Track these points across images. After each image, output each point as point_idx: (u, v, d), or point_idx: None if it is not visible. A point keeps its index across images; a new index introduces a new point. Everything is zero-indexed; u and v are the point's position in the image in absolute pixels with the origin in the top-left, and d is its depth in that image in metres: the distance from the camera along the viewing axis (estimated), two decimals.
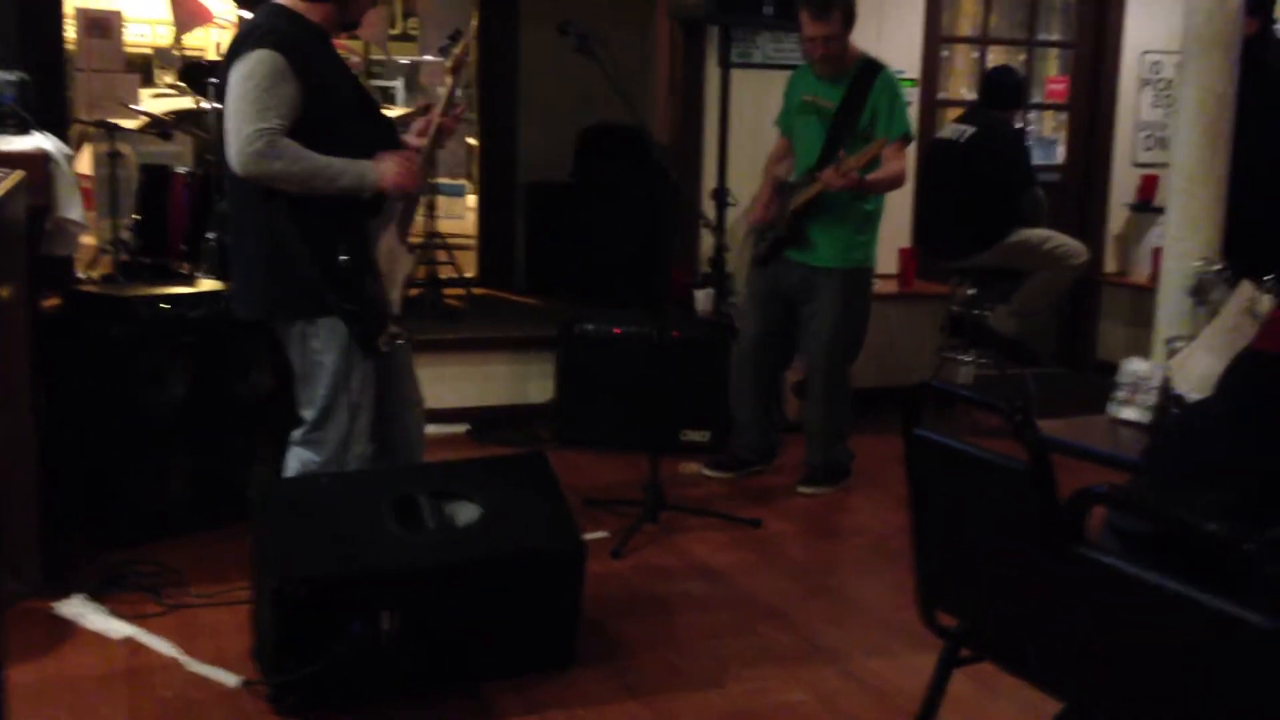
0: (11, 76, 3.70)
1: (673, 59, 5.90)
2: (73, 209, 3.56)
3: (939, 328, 5.94)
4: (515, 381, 5.50)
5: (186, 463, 3.92)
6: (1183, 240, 3.60)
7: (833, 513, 4.57)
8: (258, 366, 4.02)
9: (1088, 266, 5.81)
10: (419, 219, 5.35)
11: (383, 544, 2.88)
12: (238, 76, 2.97)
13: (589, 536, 3.47)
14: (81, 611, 3.31)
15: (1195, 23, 3.57)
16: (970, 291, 5.72)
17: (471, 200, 8.36)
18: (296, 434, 3.23)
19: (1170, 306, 3.60)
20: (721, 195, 5.43)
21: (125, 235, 5.32)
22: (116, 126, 5.70)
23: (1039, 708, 2.16)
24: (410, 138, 3.31)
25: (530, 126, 6.79)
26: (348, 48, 9.18)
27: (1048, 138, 7.29)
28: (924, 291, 6.01)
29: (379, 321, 3.14)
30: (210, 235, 4.70)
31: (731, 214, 5.51)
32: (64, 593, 3.39)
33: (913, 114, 5.27)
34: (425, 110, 4.17)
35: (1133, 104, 6.70)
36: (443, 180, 7.42)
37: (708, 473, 4.79)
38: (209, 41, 9.23)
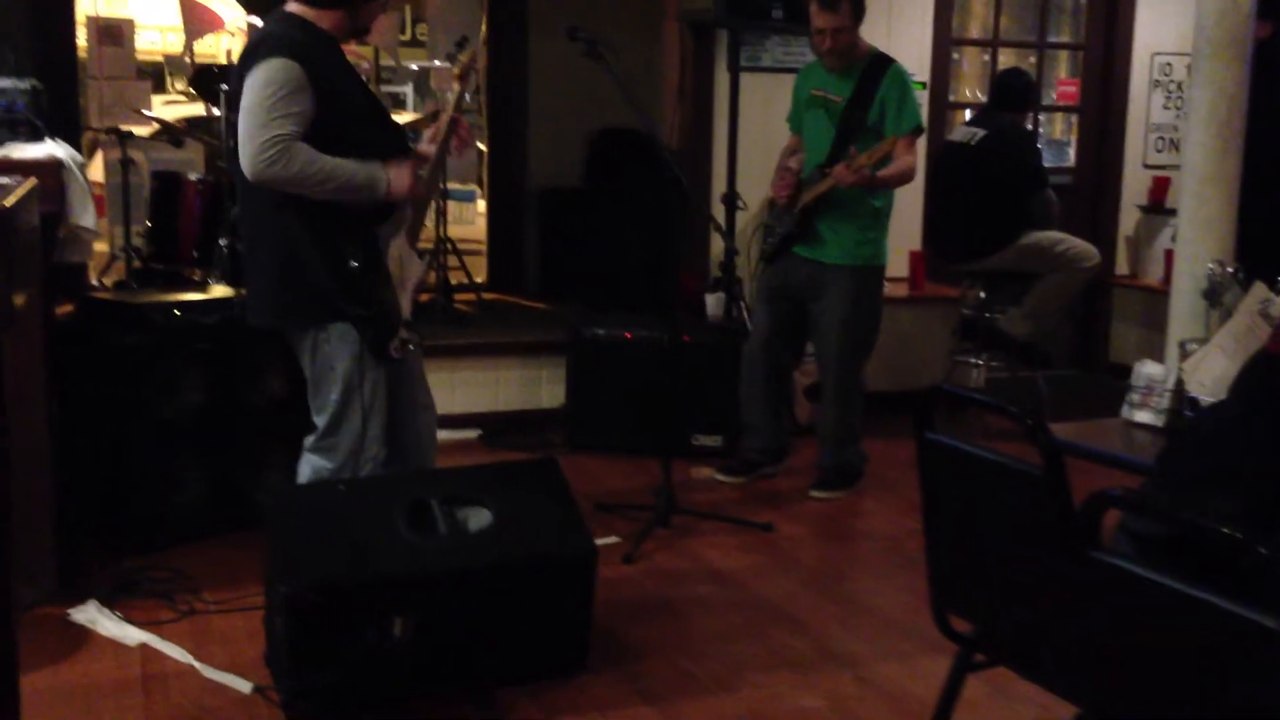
0: (24, 84, 3.72)
1: (682, 63, 5.91)
2: (86, 216, 3.58)
3: (950, 331, 5.93)
4: (526, 386, 5.51)
5: (199, 469, 3.92)
6: (1195, 242, 3.60)
7: (845, 516, 4.56)
8: (270, 373, 4.03)
9: (1099, 269, 5.80)
10: (430, 224, 5.37)
11: (395, 550, 2.88)
12: (252, 84, 2.98)
13: (601, 541, 3.47)
14: (96, 618, 3.32)
15: (1206, 24, 3.57)
16: (981, 294, 5.71)
17: (482, 206, 8.37)
18: (309, 440, 3.23)
19: (1183, 308, 3.59)
20: (731, 199, 5.42)
21: (138, 242, 5.35)
22: (128, 133, 5.73)
23: (1054, 712, 2.15)
24: (423, 146, 3.32)
25: (540, 132, 6.80)
26: (357, 54, 9.21)
27: (1059, 140, 7.28)
28: (935, 295, 5.99)
29: (390, 327, 3.15)
30: (222, 241, 4.72)
31: (742, 218, 5.51)
32: (78, 599, 3.40)
33: (922, 116, 5.26)
34: (435, 116, 4.18)
35: (1144, 106, 6.68)
36: (453, 186, 7.43)
37: (719, 477, 4.78)
38: (220, 48, 9.27)
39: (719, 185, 5.60)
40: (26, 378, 3.32)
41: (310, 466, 3.22)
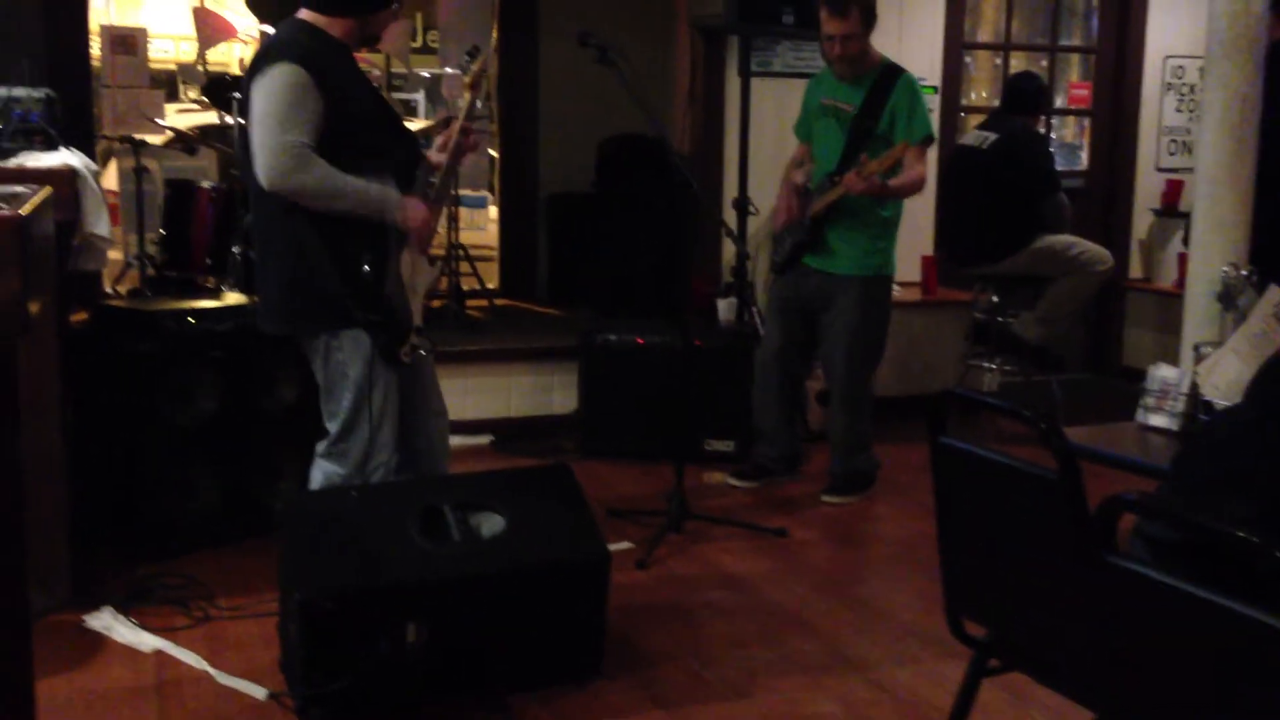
0: (39, 94, 3.73)
1: (693, 68, 5.91)
2: (100, 224, 3.59)
3: (963, 335, 5.92)
4: (538, 392, 5.51)
5: (213, 476, 3.93)
6: (1209, 245, 3.58)
7: (858, 521, 4.55)
8: (284, 380, 4.04)
9: (1112, 273, 5.78)
10: (441, 231, 5.38)
11: (408, 556, 2.88)
12: (262, 91, 3.00)
13: (613, 547, 3.47)
14: (110, 624, 3.33)
15: (1218, 27, 3.56)
16: (994, 298, 5.70)
17: (493, 212, 8.39)
18: (321, 446, 3.24)
19: (1197, 311, 3.58)
20: (743, 204, 5.42)
21: (151, 249, 5.37)
22: (142, 142, 5.76)
23: (1069, 718, 2.14)
24: (433, 153, 3.33)
25: (551, 138, 6.81)
26: (369, 61, 9.24)
27: (1071, 143, 7.27)
28: (947, 299, 5.98)
29: (401, 332, 3.16)
30: (236, 249, 4.74)
31: (753, 223, 5.51)
32: (93, 606, 3.41)
33: (934, 121, 5.25)
34: (447, 123, 4.19)
35: (1156, 109, 6.67)
36: (464, 192, 7.44)
37: (732, 482, 4.78)
38: (232, 57, 9.31)
39: (730, 190, 5.60)
40: (41, 385, 3.33)
41: (322, 472, 3.22)
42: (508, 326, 6.08)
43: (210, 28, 8.07)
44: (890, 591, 3.85)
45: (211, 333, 3.93)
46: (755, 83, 5.57)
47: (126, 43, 6.33)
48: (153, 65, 7.31)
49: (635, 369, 5.07)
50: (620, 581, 3.42)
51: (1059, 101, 6.91)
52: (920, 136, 4.42)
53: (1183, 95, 6.65)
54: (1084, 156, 6.96)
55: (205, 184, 5.19)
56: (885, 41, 4.75)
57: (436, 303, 5.57)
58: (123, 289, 5.64)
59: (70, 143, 3.76)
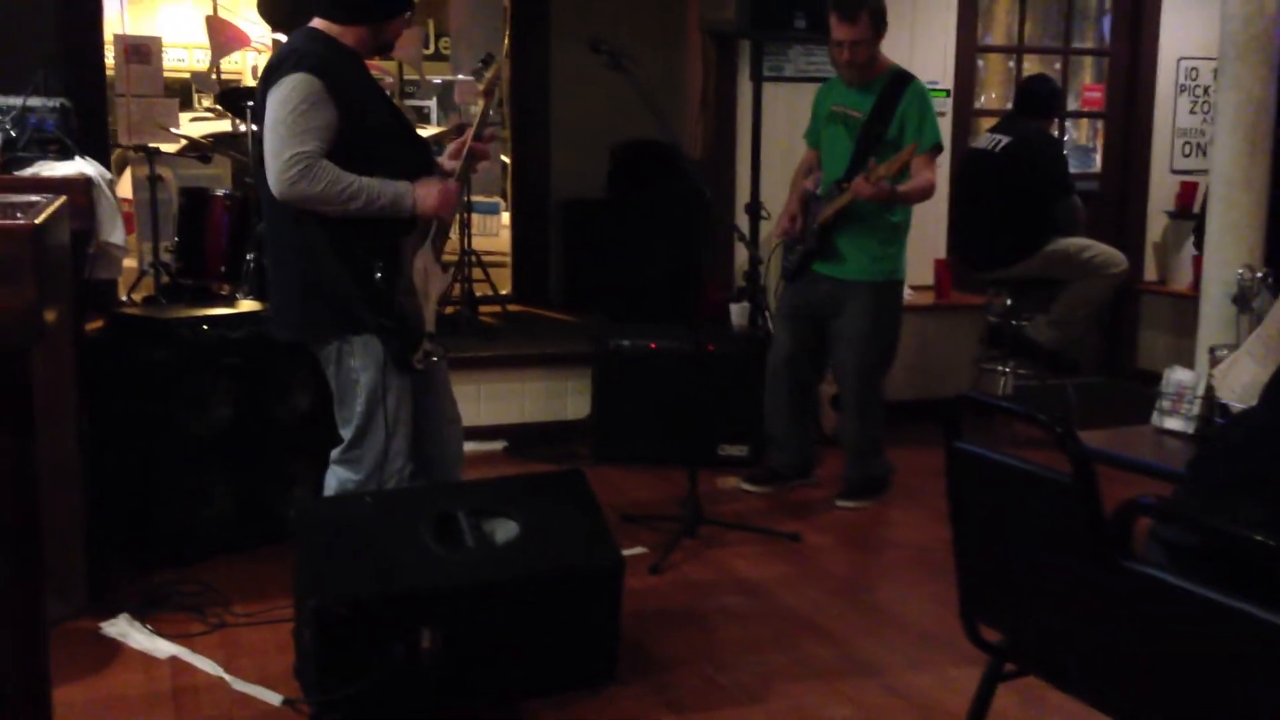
0: (53, 103, 3.75)
1: (705, 74, 5.92)
2: (115, 233, 3.60)
3: (977, 339, 5.90)
4: (552, 398, 5.52)
5: (228, 483, 3.94)
6: (1224, 247, 3.57)
7: (872, 526, 4.54)
8: (298, 387, 4.05)
9: (1126, 275, 5.76)
10: (454, 237, 5.39)
11: (422, 563, 2.89)
12: (275, 101, 3.01)
13: (627, 552, 3.47)
14: (126, 631, 3.34)
15: (1232, 28, 3.55)
16: (1008, 302, 5.68)
17: (506, 218, 8.41)
18: (335, 452, 3.25)
19: (1212, 314, 3.57)
20: (755, 209, 5.42)
21: (166, 258, 5.40)
22: (156, 150, 5.79)
23: None
24: (445, 160, 3.34)
25: (563, 144, 6.82)
26: (381, 68, 9.28)
27: (1084, 146, 7.25)
28: (961, 302, 5.97)
29: (414, 338, 3.17)
30: (250, 256, 4.75)
31: (765, 227, 5.51)
32: (109, 613, 3.42)
33: (946, 124, 5.25)
34: (460, 130, 4.20)
35: (1170, 111, 6.64)
36: (477, 198, 7.46)
37: (746, 487, 4.78)
38: (246, 65, 9.36)
39: (742, 195, 5.60)
40: (57, 393, 3.35)
41: (336, 479, 3.23)
42: (521, 332, 6.09)
43: (223, 36, 8.11)
44: (905, 596, 3.84)
45: (226, 340, 3.94)
46: (767, 88, 5.57)
47: (141, 52, 6.37)
48: (167, 74, 7.35)
49: (648, 374, 5.07)
50: (634, 587, 3.42)
51: (1072, 104, 6.90)
52: (929, 144, 4.41)
53: (1196, 97, 6.63)
54: (1097, 159, 6.94)
55: (219, 192, 5.20)
56: (897, 44, 4.74)
57: (449, 309, 5.58)
58: (138, 297, 5.67)
59: (85, 151, 3.78)
